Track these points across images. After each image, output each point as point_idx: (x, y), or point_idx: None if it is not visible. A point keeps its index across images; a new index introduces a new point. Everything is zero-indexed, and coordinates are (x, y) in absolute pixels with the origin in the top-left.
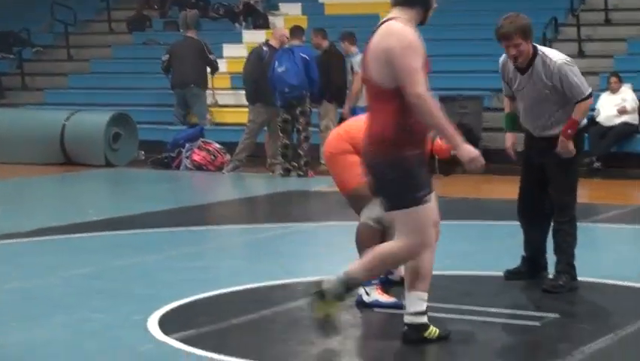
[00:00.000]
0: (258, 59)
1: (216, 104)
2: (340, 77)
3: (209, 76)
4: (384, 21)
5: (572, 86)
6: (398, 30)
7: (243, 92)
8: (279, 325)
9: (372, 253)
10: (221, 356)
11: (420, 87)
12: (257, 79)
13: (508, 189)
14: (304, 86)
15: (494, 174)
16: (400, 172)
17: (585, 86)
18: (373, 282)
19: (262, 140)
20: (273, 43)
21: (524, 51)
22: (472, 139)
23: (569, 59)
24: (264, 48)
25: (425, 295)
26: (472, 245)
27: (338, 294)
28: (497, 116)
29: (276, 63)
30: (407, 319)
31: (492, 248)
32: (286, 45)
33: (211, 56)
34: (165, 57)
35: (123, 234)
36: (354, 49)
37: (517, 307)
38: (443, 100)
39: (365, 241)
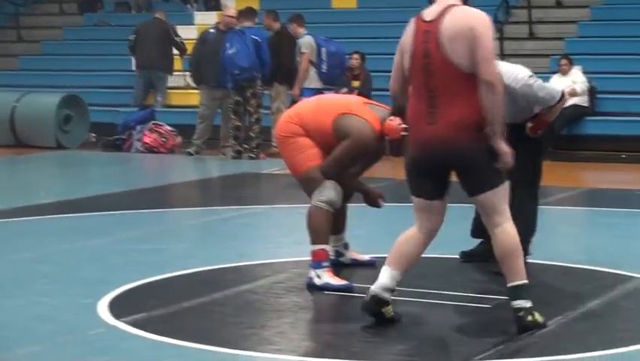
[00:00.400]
0: (201, 42)
1: (188, 87)
2: (291, 59)
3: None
4: (448, 7)
5: (541, 101)
6: (478, 12)
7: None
8: (231, 308)
9: (505, 256)
10: (173, 340)
11: (496, 69)
12: (199, 61)
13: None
14: (255, 68)
15: None
16: (490, 154)
17: (554, 92)
18: (324, 265)
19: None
20: (220, 25)
21: None
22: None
23: (527, 74)
24: (211, 30)
25: (399, 278)
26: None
27: (526, 305)
28: None
29: (227, 45)
30: (374, 289)
31: (444, 230)
32: (237, 27)
33: (177, 38)
34: (132, 37)
35: (73, 217)
36: (302, 30)
37: (468, 289)
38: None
39: (316, 223)
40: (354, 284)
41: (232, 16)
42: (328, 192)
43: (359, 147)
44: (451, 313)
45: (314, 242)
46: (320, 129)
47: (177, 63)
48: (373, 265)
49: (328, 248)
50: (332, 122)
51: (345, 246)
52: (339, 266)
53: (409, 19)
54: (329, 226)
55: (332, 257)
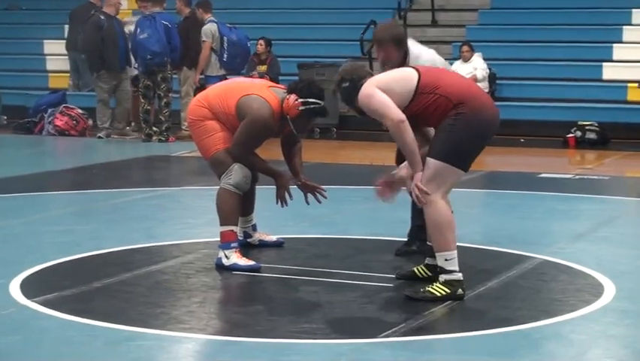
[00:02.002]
0: (97, 28)
1: None
2: (199, 44)
3: None
4: None
5: None
6: None
7: None
8: (140, 288)
9: None
10: (84, 319)
11: None
12: (100, 47)
13: (362, 155)
14: (166, 53)
15: (350, 140)
16: None
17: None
18: (233, 245)
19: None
20: (108, 10)
21: (392, 58)
22: (316, 92)
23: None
24: (101, 17)
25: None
26: (328, 209)
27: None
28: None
29: (138, 30)
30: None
31: (347, 212)
32: (147, 12)
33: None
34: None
35: None
36: (207, 16)
37: (370, 269)
38: (302, 66)
39: (224, 205)
40: (262, 264)
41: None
42: (235, 175)
43: (257, 125)
44: (353, 292)
45: (222, 223)
46: (226, 112)
47: None
48: (281, 246)
49: (236, 229)
50: (235, 104)
51: (254, 227)
52: (247, 247)
53: (314, 6)
54: (237, 207)
55: (240, 238)
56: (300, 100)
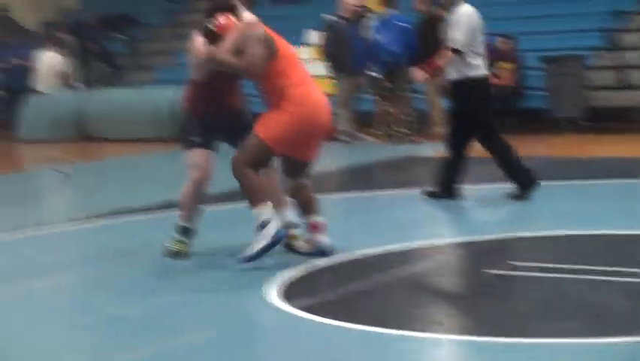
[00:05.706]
0: (333, 31)
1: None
2: (435, 45)
3: None
4: None
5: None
6: None
7: None
8: (398, 290)
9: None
10: (343, 323)
11: None
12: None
13: (616, 149)
14: (404, 54)
15: (604, 133)
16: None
17: (461, 42)
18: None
19: None
20: (347, 14)
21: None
22: None
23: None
24: (334, 19)
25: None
26: (580, 204)
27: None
28: (600, 75)
29: (376, 31)
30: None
31: (600, 207)
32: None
33: None
34: None
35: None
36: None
37: (631, 265)
38: (545, 60)
39: None
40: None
41: (357, 6)
42: None
43: None
44: (613, 289)
45: None
46: None
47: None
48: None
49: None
50: None
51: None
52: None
53: None
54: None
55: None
56: None
